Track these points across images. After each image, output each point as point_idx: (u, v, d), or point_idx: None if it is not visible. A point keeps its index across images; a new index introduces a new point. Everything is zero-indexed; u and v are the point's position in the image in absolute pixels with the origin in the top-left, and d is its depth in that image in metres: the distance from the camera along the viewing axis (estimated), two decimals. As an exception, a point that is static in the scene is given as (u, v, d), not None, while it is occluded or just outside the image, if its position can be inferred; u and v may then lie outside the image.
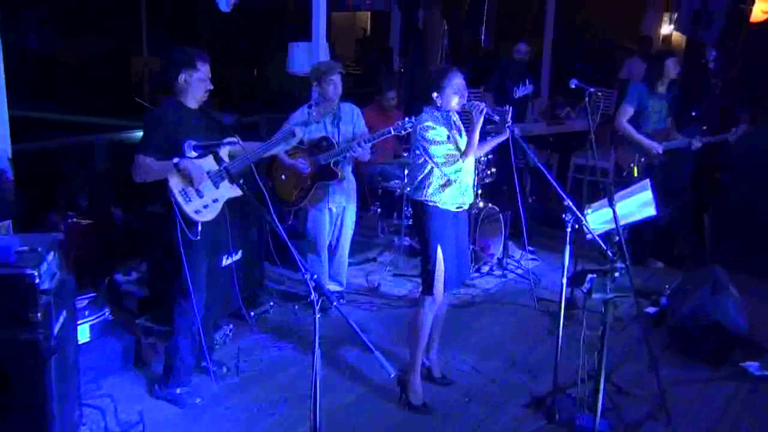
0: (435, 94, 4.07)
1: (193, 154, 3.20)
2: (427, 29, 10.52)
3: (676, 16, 7.67)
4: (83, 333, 4.30)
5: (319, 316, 2.52)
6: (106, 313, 4.51)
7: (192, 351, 4.20)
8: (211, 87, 3.98)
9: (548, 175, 3.82)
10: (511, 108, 3.99)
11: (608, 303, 3.31)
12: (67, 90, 9.95)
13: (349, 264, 5.85)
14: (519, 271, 6.45)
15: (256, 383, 4.45)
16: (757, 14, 7.20)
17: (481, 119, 3.96)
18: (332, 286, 5.61)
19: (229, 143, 3.41)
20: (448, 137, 4.08)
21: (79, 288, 4.61)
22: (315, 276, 2.52)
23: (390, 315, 5.52)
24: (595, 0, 11.34)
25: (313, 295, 2.48)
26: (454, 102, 4.07)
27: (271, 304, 5.48)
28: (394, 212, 6.57)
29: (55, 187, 6.02)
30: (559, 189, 3.70)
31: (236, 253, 5.03)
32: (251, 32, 11.02)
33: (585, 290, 3.31)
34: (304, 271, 2.50)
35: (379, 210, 6.73)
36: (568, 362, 4.10)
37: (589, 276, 3.30)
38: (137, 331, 4.77)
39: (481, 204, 6.13)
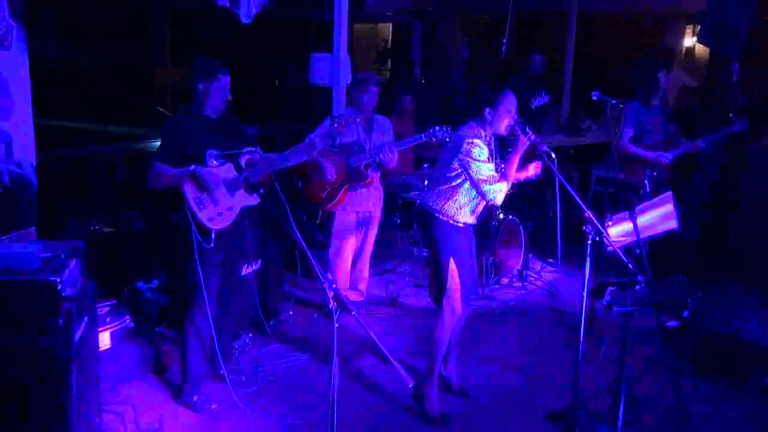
0: (487, 110, 4.02)
1: (215, 163, 3.22)
2: (447, 41, 10.55)
3: (698, 28, 7.60)
4: (104, 340, 4.33)
5: (337, 325, 2.52)
6: (127, 320, 4.55)
7: (204, 359, 4.22)
8: (230, 97, 4.01)
9: (568, 187, 3.79)
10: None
11: (628, 316, 3.28)
12: (92, 100, 10.06)
13: (369, 274, 5.86)
14: (539, 283, 6.42)
15: (274, 391, 4.47)
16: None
17: (527, 145, 3.93)
18: (353, 296, 5.63)
19: (249, 152, 3.43)
20: (489, 158, 4.07)
21: (101, 295, 4.67)
22: (334, 285, 2.53)
23: (409, 326, 5.52)
24: (616, 12, 11.29)
25: (332, 304, 2.48)
26: (504, 123, 4.03)
27: (290, 313, 5.49)
28: (414, 223, 6.56)
29: (78, 195, 6.09)
30: (578, 200, 3.68)
31: (256, 263, 5.07)
32: (273, 44, 11.10)
33: (605, 303, 3.28)
34: (323, 280, 2.51)
35: (398, 221, 6.73)
36: (587, 375, 4.07)
37: (609, 289, 3.27)
38: (157, 339, 4.80)
39: (501, 215, 6.12)
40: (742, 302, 4.87)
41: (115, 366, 4.34)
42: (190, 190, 3.89)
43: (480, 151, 3.99)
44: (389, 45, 12.78)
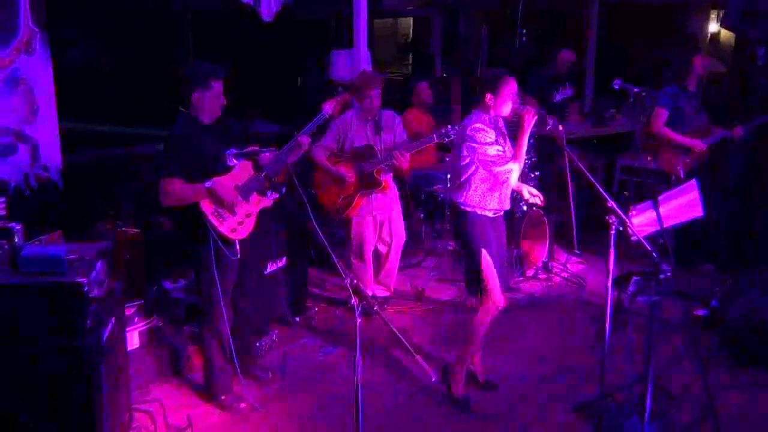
0: (488, 96, 4.04)
1: (234, 162, 3.22)
2: (468, 34, 10.49)
3: (722, 13, 7.49)
4: (132, 340, 4.39)
5: (359, 321, 2.53)
6: (155, 320, 4.60)
7: (225, 359, 4.22)
8: (224, 102, 3.94)
9: (589, 176, 3.77)
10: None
11: (653, 305, 3.25)
12: (116, 103, 10.16)
13: (393, 270, 5.87)
14: (564, 274, 6.38)
15: (301, 388, 4.49)
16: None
17: (533, 122, 3.94)
18: (380, 291, 5.64)
19: (269, 151, 3.44)
20: (496, 140, 4.07)
21: (128, 296, 4.72)
22: (355, 281, 2.53)
23: (435, 320, 5.52)
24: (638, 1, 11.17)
25: (353, 300, 2.49)
26: (507, 107, 4.06)
27: (316, 309, 5.52)
28: (438, 217, 6.55)
29: (105, 196, 6.15)
30: (601, 190, 3.65)
31: (281, 260, 5.10)
32: (294, 42, 11.12)
33: (630, 293, 3.26)
34: (344, 275, 2.52)
35: (422, 215, 6.72)
36: (615, 367, 4.04)
37: (634, 278, 3.25)
38: (184, 338, 4.85)
39: (525, 207, 6.09)
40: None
41: (144, 365, 4.40)
42: (206, 205, 3.84)
43: (484, 135, 4.01)
44: (410, 40, 12.76)
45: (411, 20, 12.81)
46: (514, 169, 4.08)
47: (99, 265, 3.14)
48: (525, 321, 5.49)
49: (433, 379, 2.56)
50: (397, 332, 2.52)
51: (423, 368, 2.49)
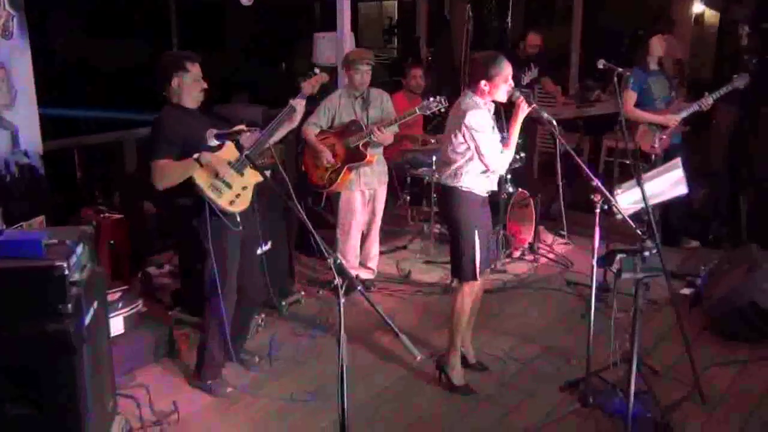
0: (483, 83, 3.93)
1: (215, 142, 3.20)
2: (454, 18, 10.44)
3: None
4: (117, 325, 4.36)
5: (343, 300, 2.51)
6: (139, 305, 4.57)
7: (222, 349, 4.22)
8: (205, 85, 3.95)
9: (574, 156, 3.76)
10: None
11: (639, 283, 3.25)
12: (100, 92, 10.10)
13: (380, 252, 5.86)
14: (551, 255, 6.38)
15: (289, 372, 4.47)
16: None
17: (527, 110, 3.89)
18: (363, 273, 5.63)
19: (250, 130, 3.41)
20: (492, 127, 4.03)
21: (113, 281, 4.70)
22: (339, 260, 2.51)
23: (422, 302, 5.51)
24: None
25: (337, 279, 2.47)
26: (502, 90, 3.95)
27: (302, 293, 5.50)
28: (424, 199, 6.54)
29: (87, 182, 6.12)
30: (586, 169, 3.65)
31: (266, 244, 5.06)
32: (278, 27, 11.05)
33: (615, 270, 3.25)
34: (327, 255, 2.49)
35: (408, 198, 6.70)
36: (601, 346, 4.05)
37: (619, 256, 3.24)
38: (171, 323, 4.82)
39: (510, 189, 6.07)
40: (758, 266, 4.80)
41: (129, 351, 4.37)
42: (202, 180, 3.85)
43: (481, 121, 3.94)
44: (395, 22, 12.70)
45: (396, 3, 12.76)
46: (507, 158, 4.04)
47: (79, 249, 3.10)
48: (512, 302, 5.50)
49: (418, 358, 2.53)
50: (380, 312, 2.51)
51: (408, 347, 2.47)
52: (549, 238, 6.65)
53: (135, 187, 5.93)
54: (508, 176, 6.04)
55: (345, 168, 5.28)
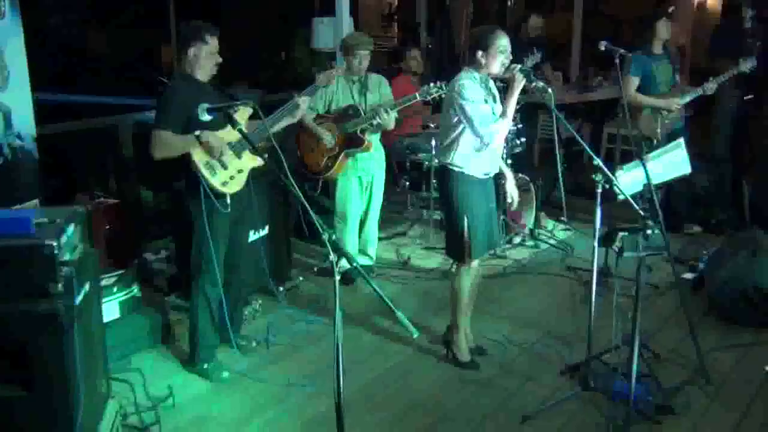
0: (479, 53, 3.90)
1: (207, 116, 3.15)
2: (454, 5, 10.36)
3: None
4: (113, 310, 4.30)
5: (339, 278, 2.45)
6: (135, 290, 4.51)
7: (212, 329, 4.19)
8: (221, 60, 3.94)
9: (575, 134, 3.69)
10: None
11: (641, 261, 3.19)
12: (98, 78, 10.04)
13: (379, 239, 5.80)
14: (552, 241, 6.32)
15: (286, 357, 4.42)
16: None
17: (523, 81, 3.82)
18: (362, 260, 5.57)
19: (243, 104, 3.35)
20: (485, 100, 3.96)
21: (108, 266, 4.64)
22: (333, 236, 2.45)
23: (422, 288, 5.46)
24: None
25: (332, 255, 2.41)
26: (499, 63, 3.91)
27: (300, 278, 5.44)
28: (423, 185, 6.47)
29: (83, 167, 6.06)
30: (587, 148, 3.59)
31: (263, 229, 5.01)
32: (277, 14, 10.98)
33: (617, 249, 3.19)
34: (322, 231, 2.43)
35: (408, 183, 6.64)
36: (602, 330, 4.00)
37: (621, 234, 3.18)
38: (167, 309, 4.77)
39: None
40: (761, 250, 4.74)
41: (125, 336, 4.32)
42: (199, 157, 3.83)
43: (471, 92, 3.88)
44: (394, 9, 12.60)
45: (396, -10, 12.66)
46: (501, 129, 3.95)
47: (71, 228, 3.04)
48: (513, 287, 5.45)
49: (414, 336, 2.48)
50: (375, 287, 2.45)
51: (405, 324, 2.41)
52: (550, 224, 6.59)
53: (131, 172, 5.88)
54: (509, 161, 5.98)
55: (342, 154, 5.20)
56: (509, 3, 8.79)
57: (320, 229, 2.45)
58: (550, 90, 3.68)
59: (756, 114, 6.59)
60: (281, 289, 5.19)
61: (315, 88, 4.73)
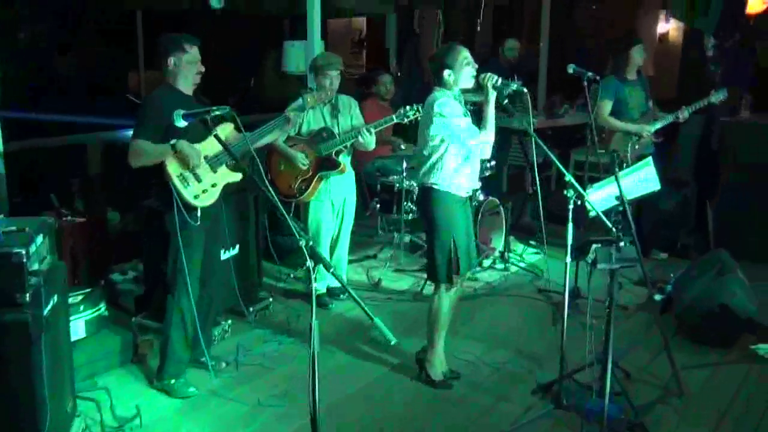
0: (446, 73, 3.92)
1: (183, 123, 3.13)
2: (423, 32, 10.46)
3: (671, 1, 7.60)
4: (79, 329, 4.21)
5: (315, 285, 2.43)
6: (102, 309, 4.43)
7: (185, 344, 4.13)
8: (203, 69, 3.94)
9: (550, 154, 3.73)
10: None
11: (614, 273, 3.21)
12: (65, 100, 9.94)
13: (349, 261, 5.78)
14: (522, 264, 6.35)
15: (256, 377, 4.36)
16: (754, 5, 7.14)
17: (493, 92, 3.85)
18: (333, 282, 5.52)
19: (219, 109, 3.32)
20: (465, 114, 3.99)
21: (74, 285, 4.54)
22: (310, 243, 2.44)
23: (393, 310, 5.42)
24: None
25: (309, 262, 2.39)
26: (468, 76, 3.95)
27: (270, 300, 5.38)
28: (394, 207, 6.47)
29: (50, 186, 5.94)
30: (559, 165, 3.63)
31: (233, 249, 4.96)
32: (247, 38, 10.99)
33: (590, 260, 3.21)
34: (297, 235, 2.42)
35: (378, 206, 6.64)
36: (573, 351, 4.01)
37: (594, 246, 3.20)
38: (134, 329, 4.68)
39: (481, 196, 6.04)
40: (726, 270, 4.81)
41: (92, 355, 4.23)
42: (173, 168, 3.81)
43: (450, 108, 3.90)
44: (364, 35, 12.69)
45: (365, 19, 12.76)
46: (489, 139, 3.98)
47: (40, 238, 2.98)
48: (483, 308, 5.45)
49: (392, 342, 2.47)
50: (352, 293, 2.45)
51: (383, 331, 2.41)
52: (519, 247, 6.63)
53: (98, 191, 5.79)
54: (479, 184, 6.01)
55: (317, 176, 5.17)
56: (478, 28, 8.90)
57: (297, 235, 2.43)
58: (525, 90, 3.74)
59: (715, 137, 6.73)
60: (251, 309, 5.12)
61: (303, 102, 4.56)
